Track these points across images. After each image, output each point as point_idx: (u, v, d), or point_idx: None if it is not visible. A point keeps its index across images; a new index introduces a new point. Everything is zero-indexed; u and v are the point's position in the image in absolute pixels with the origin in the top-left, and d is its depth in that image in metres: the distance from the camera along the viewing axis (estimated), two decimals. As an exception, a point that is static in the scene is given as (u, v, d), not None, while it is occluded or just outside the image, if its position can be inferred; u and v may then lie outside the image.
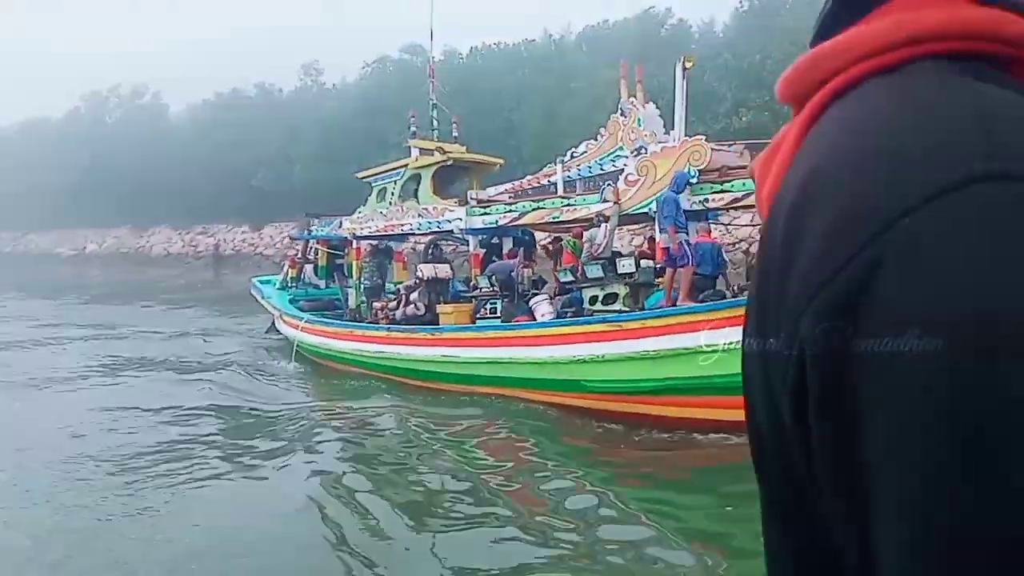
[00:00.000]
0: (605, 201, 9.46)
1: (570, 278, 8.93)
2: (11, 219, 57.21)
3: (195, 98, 55.14)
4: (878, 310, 0.33)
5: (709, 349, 7.08)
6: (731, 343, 7.01)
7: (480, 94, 31.90)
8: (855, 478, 0.34)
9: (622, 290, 8.42)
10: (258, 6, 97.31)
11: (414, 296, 11.41)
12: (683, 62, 9.11)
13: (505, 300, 9.59)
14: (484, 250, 11.37)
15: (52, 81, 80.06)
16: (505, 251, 11.08)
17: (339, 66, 50.58)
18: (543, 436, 7.49)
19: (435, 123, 12.97)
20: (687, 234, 8.24)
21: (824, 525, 0.38)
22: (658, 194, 8.58)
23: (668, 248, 8.17)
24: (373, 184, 13.06)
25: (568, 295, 8.98)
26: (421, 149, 12.34)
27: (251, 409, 8.83)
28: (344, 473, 6.40)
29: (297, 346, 12.00)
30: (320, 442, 7.35)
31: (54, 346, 14.03)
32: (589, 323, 8.08)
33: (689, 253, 8.00)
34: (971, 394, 0.30)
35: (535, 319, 9.06)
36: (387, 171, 12.86)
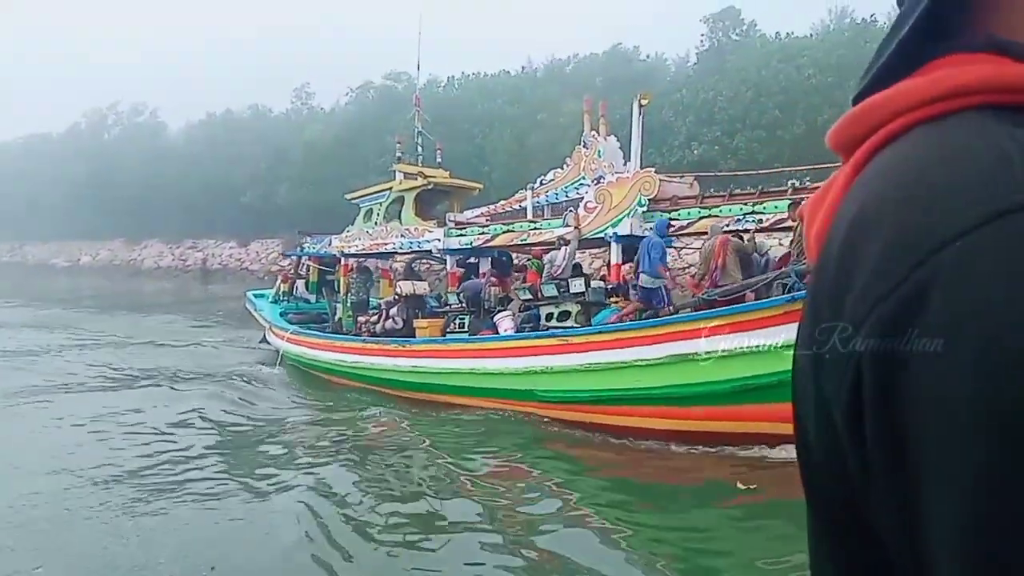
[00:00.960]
0: (567, 226, 10.20)
1: (528, 296, 9.64)
2: (10, 230, 59.41)
3: (192, 117, 57.82)
4: (932, 323, 0.35)
5: (646, 363, 7.80)
6: (663, 357, 7.73)
7: (455, 121, 33.00)
8: (909, 489, 0.36)
9: (574, 308, 9.13)
10: (254, 27, 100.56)
11: (393, 311, 12.13)
12: (639, 99, 9.86)
13: (472, 316, 10.31)
14: (463, 269, 12.15)
15: (55, 97, 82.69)
16: (482, 271, 11.85)
17: (327, 91, 53.25)
18: (520, 443, 7.85)
19: (419, 149, 13.78)
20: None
21: (874, 540, 0.40)
22: (644, 238, 8.94)
23: (647, 288, 8.64)
24: (361, 205, 13.84)
25: (528, 312, 9.69)
26: (405, 173, 13.13)
27: (237, 417, 9.21)
28: (323, 478, 6.55)
29: (283, 356, 12.74)
30: (305, 449, 7.64)
31: (45, 355, 14.20)
32: (540, 337, 8.78)
33: (666, 298, 8.62)
34: (1015, 403, 0.32)
35: (499, 334, 9.78)
36: (374, 193, 13.65)
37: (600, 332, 8.26)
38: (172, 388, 11.04)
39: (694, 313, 7.75)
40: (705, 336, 7.38)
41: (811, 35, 32.72)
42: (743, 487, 6.34)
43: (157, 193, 49.51)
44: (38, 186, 57.30)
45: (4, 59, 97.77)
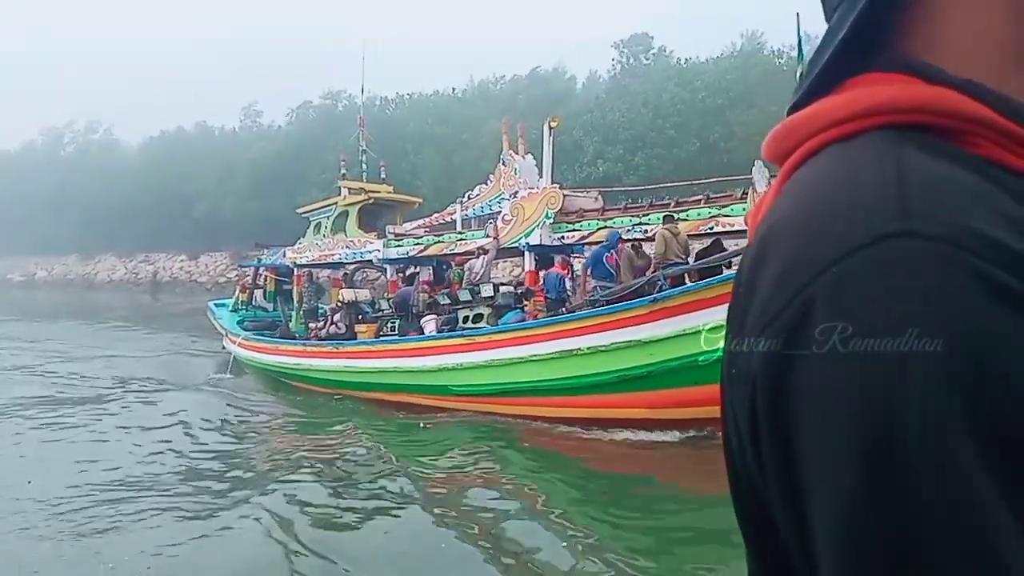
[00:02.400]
0: (488, 237, 11.20)
1: (447, 301, 10.62)
2: None
3: (146, 134, 59.50)
4: (811, 343, 0.38)
5: (539, 358, 8.79)
6: (553, 353, 8.72)
7: (390, 139, 35.25)
8: (794, 501, 0.39)
9: (486, 311, 10.10)
10: (205, 46, 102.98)
11: (337, 317, 13.06)
12: (550, 122, 10.88)
13: (402, 320, 11.27)
14: (406, 276, 13.09)
15: (11, 112, 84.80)
16: (422, 279, 12.80)
17: (273, 108, 56.25)
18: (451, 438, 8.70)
19: (364, 166, 14.75)
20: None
21: (784, 548, 0.42)
22: (594, 250, 9.61)
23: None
24: (311, 218, 14.76)
25: (448, 315, 10.66)
26: (350, 189, 14.08)
27: (190, 423, 9.68)
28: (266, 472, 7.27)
29: (233, 360, 13.63)
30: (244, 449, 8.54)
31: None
32: (449, 338, 9.75)
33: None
34: (877, 415, 0.35)
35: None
36: (322, 207, 14.58)
37: (500, 332, 9.25)
38: (123, 396, 11.47)
39: (576, 313, 8.74)
40: (584, 334, 8.39)
41: (707, 60, 35.77)
42: None
43: (111, 208, 51.30)
44: None
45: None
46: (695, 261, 8.52)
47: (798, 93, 0.50)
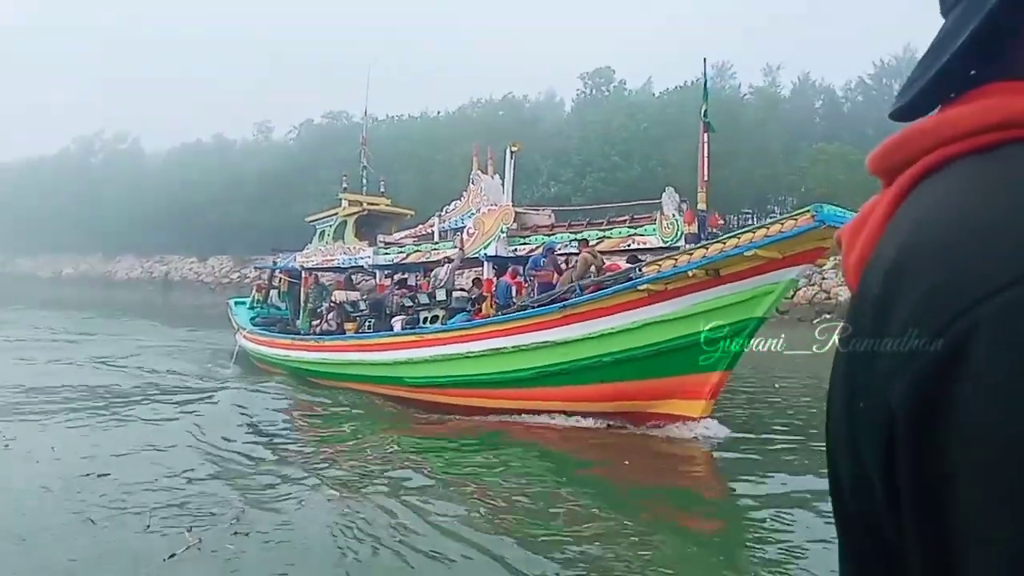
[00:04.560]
0: (455, 248, 12.48)
1: (410, 303, 11.94)
2: (4, 244, 68.26)
3: (170, 143, 67.08)
4: (974, 376, 0.34)
5: (472, 355, 10.01)
6: (483, 351, 9.92)
7: (381, 156, 40.60)
8: (941, 536, 0.36)
9: (442, 313, 11.38)
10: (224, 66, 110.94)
11: (330, 316, 14.56)
12: (511, 147, 12.12)
13: (375, 319, 12.64)
14: (393, 280, 14.50)
15: (48, 122, 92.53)
16: (409, 283, 14.19)
17: (280, 123, 64.27)
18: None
19: (364, 180, 16.26)
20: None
21: (898, 566, 0.40)
22: (532, 258, 10.81)
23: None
24: (317, 226, 16.32)
25: (412, 316, 11.97)
26: (349, 201, 15.60)
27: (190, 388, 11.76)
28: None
29: (239, 349, 15.27)
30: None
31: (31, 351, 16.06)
32: (403, 335, 11.06)
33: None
34: None
35: (393, 333, 12.06)
36: (325, 217, 16.12)
37: (444, 331, 10.50)
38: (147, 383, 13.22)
39: (502, 316, 9.93)
40: (509, 335, 9.58)
41: (660, 94, 40.76)
42: None
43: (133, 213, 57.63)
44: (30, 204, 66.07)
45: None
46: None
47: (905, 98, 0.48)
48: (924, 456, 0.37)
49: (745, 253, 7.84)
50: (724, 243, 8.08)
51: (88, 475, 6.63)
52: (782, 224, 7.75)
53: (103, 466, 6.95)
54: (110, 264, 61.58)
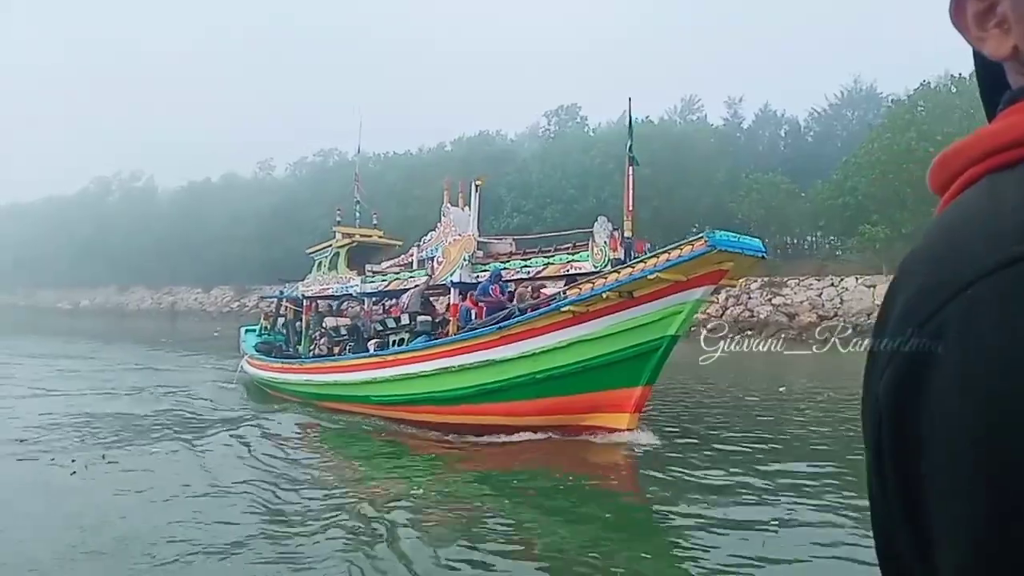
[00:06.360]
0: (427, 274, 13.40)
1: (380, 328, 12.87)
2: (27, 277, 75.23)
3: (182, 178, 73.35)
4: (940, 371, 0.37)
5: (425, 374, 10.85)
6: (434, 370, 10.74)
7: (370, 192, 43.84)
8: (920, 526, 0.39)
9: (408, 336, 12.27)
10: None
11: (322, 341, 15.61)
12: (475, 181, 13.04)
13: (354, 343, 13.60)
14: (382, 306, 15.49)
15: (67, 162, 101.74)
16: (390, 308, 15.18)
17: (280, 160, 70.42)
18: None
19: (357, 214, 17.40)
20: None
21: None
22: (482, 282, 11.78)
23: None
24: (315, 257, 17.47)
25: (382, 339, 12.89)
26: (343, 233, 16.72)
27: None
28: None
29: (241, 371, 16.45)
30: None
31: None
32: (368, 357, 11.96)
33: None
34: (1010, 446, 0.33)
35: (369, 355, 12.99)
36: (321, 248, 17.26)
37: (403, 352, 11.37)
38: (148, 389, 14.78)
39: (449, 338, 10.75)
40: (455, 355, 10.40)
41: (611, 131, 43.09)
42: None
43: (146, 247, 63.29)
44: (51, 240, 72.86)
45: (23, 123, 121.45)
46: None
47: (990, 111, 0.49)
48: (901, 451, 0.40)
49: (649, 276, 8.54)
50: (633, 267, 8.80)
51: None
52: (680, 249, 8.44)
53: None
54: (123, 295, 67.37)
